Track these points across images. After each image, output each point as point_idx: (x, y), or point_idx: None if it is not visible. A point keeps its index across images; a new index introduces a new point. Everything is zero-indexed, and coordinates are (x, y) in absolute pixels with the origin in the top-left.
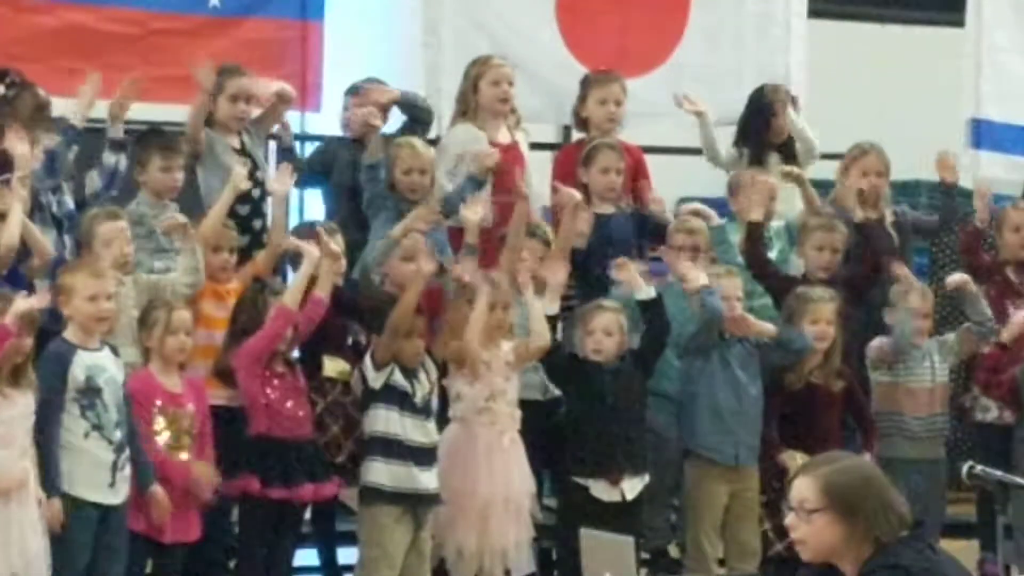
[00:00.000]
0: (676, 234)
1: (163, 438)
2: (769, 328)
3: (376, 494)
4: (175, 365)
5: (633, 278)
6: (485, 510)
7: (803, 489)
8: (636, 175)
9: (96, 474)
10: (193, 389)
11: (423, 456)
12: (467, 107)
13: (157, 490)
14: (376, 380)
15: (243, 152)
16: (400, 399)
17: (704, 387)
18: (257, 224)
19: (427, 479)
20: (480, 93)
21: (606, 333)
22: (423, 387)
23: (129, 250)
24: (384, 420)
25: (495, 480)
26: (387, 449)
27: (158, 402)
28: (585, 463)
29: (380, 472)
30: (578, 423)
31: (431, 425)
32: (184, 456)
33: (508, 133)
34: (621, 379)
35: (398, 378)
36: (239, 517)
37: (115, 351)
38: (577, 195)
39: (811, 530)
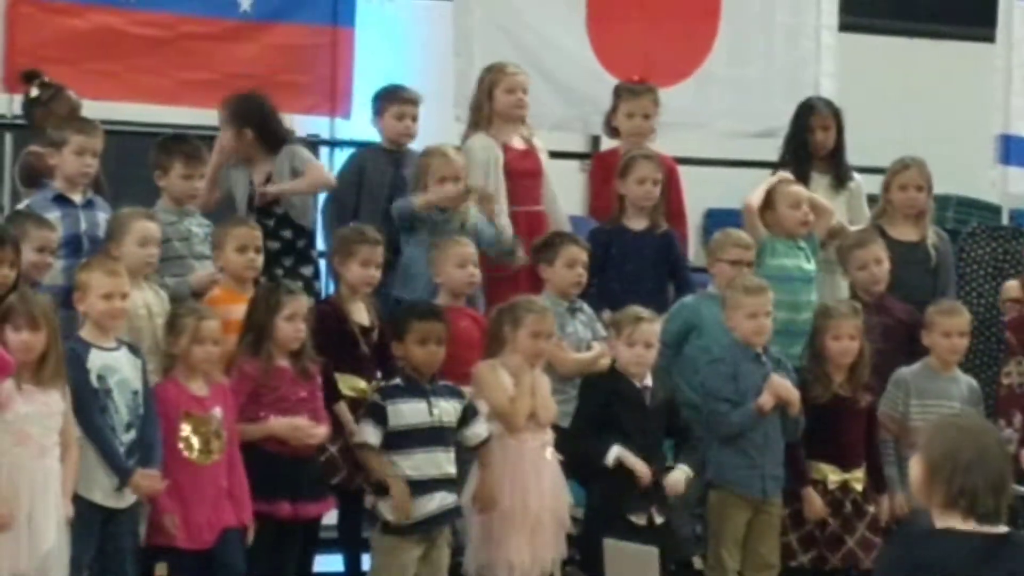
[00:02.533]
0: (730, 248)
1: (191, 444)
2: (796, 407)
3: (391, 528)
4: (200, 371)
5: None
6: (536, 524)
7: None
8: (669, 186)
9: (103, 477)
10: (219, 392)
11: (438, 485)
12: (480, 116)
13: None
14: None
15: (266, 181)
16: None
17: None
18: (287, 233)
19: (441, 498)
20: (495, 101)
21: (647, 345)
22: (442, 411)
23: (157, 253)
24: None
25: (544, 494)
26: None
27: (185, 410)
28: (624, 500)
29: (389, 510)
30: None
31: (448, 454)
32: (212, 459)
33: (522, 140)
34: (656, 401)
35: (406, 417)
36: None
37: (134, 350)
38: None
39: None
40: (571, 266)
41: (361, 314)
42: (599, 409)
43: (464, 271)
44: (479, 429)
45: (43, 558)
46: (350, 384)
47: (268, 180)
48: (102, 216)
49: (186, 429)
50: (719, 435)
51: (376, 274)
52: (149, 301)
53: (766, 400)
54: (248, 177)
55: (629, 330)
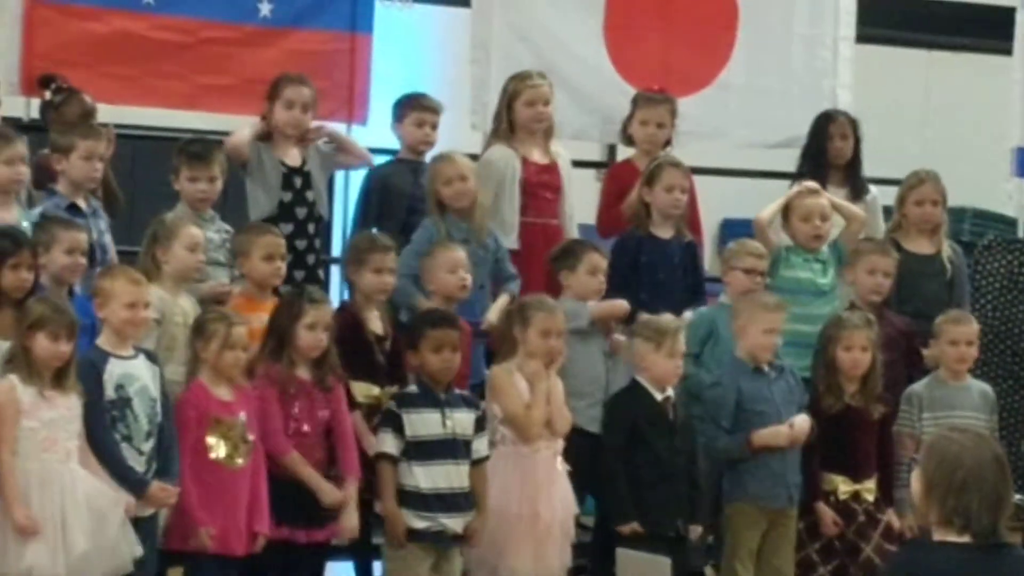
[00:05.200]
0: (745, 256)
1: (219, 449)
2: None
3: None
4: (226, 377)
5: None
6: (543, 534)
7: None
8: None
9: (123, 486)
10: (243, 397)
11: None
12: (501, 125)
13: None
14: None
15: (299, 171)
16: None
17: (747, 429)
18: (301, 244)
19: (453, 523)
20: (515, 112)
21: (683, 355)
22: (455, 423)
23: (204, 259)
24: (407, 474)
25: (553, 504)
26: (413, 500)
27: (214, 415)
28: (650, 519)
29: (406, 518)
30: (641, 470)
31: (461, 467)
32: (240, 463)
33: (543, 153)
34: (680, 417)
35: (419, 428)
36: None
37: (152, 358)
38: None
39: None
40: (593, 273)
41: (376, 323)
42: (627, 434)
43: (455, 276)
44: (482, 445)
45: (78, 561)
46: (364, 391)
47: (304, 164)
48: (104, 223)
49: (214, 434)
50: (712, 460)
51: (390, 280)
52: (186, 309)
53: (765, 436)
54: (277, 159)
55: (671, 342)
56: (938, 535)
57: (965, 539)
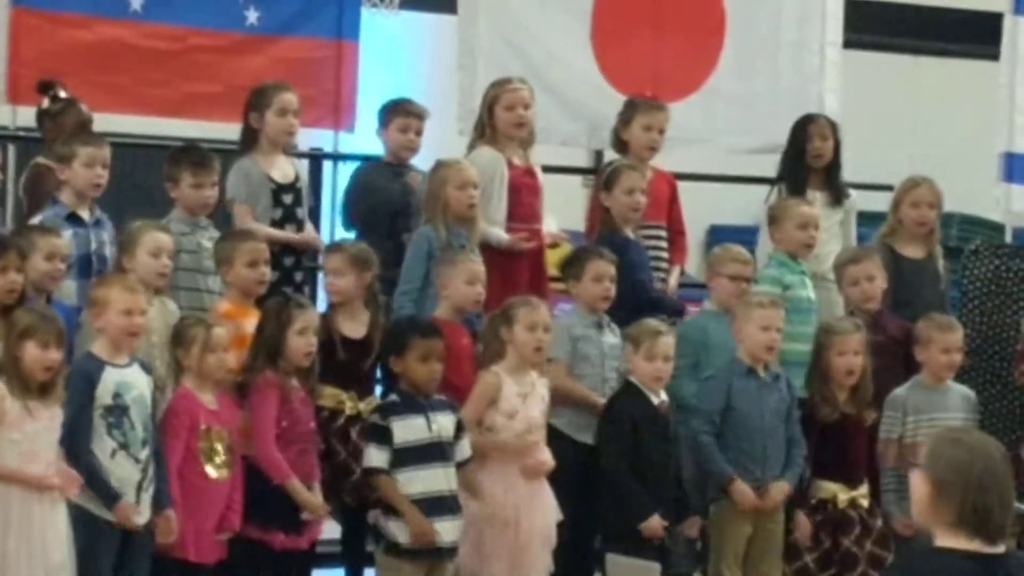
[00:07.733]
0: (729, 263)
1: (210, 459)
2: None
3: (397, 550)
4: (211, 382)
5: None
6: (524, 542)
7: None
8: (671, 201)
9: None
10: (228, 406)
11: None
12: (483, 130)
13: (170, 514)
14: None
15: (290, 187)
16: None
17: (732, 431)
18: (288, 261)
19: (445, 532)
20: (495, 117)
21: (665, 359)
22: (440, 427)
23: (170, 265)
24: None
25: (534, 513)
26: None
27: (202, 422)
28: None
29: (398, 530)
30: (637, 470)
31: (448, 470)
32: (225, 474)
33: (523, 156)
34: (675, 425)
35: (405, 434)
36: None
37: (146, 367)
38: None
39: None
40: (599, 280)
41: (351, 326)
42: (629, 436)
43: (473, 288)
44: (464, 446)
45: (56, 569)
46: (332, 394)
47: (296, 181)
48: (107, 235)
49: (205, 443)
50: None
51: (335, 282)
52: (150, 315)
53: (740, 491)
54: (264, 175)
55: (648, 344)
56: (944, 540)
57: (972, 546)
